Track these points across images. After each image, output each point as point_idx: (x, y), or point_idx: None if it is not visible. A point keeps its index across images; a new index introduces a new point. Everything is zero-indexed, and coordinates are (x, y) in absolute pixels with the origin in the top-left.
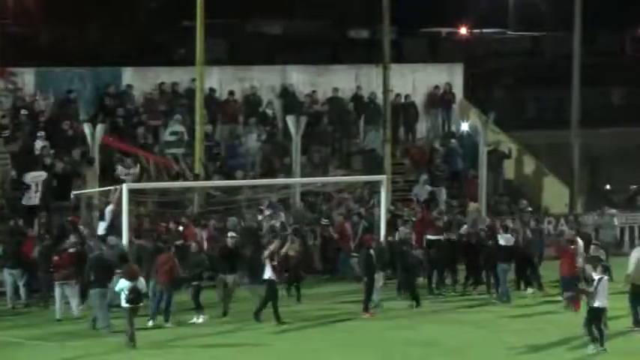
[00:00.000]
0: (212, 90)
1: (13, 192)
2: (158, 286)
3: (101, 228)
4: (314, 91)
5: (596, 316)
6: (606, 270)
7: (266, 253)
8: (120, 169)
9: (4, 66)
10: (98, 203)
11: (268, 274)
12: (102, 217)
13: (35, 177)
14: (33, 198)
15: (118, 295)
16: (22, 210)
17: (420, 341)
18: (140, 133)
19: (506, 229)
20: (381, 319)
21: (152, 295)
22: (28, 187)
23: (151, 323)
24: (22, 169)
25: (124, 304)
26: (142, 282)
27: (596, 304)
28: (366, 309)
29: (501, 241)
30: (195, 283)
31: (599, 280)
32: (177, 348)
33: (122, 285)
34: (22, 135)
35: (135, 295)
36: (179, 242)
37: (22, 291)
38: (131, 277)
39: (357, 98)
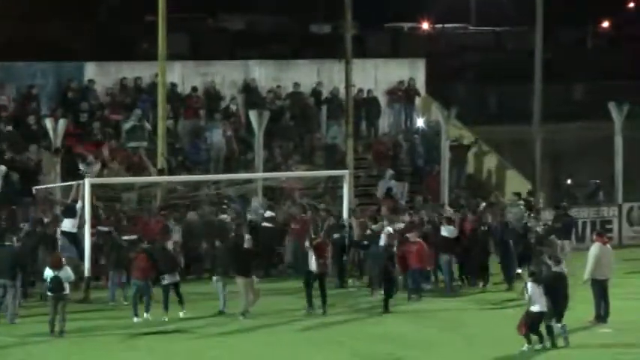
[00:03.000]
0: (174, 85)
1: None
2: (134, 281)
3: (68, 224)
4: (278, 86)
5: (535, 320)
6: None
7: (307, 243)
8: (82, 166)
9: None
10: (59, 198)
11: (313, 266)
12: (67, 214)
13: None
14: None
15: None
16: None
17: (386, 336)
18: (101, 128)
19: (448, 221)
20: (348, 316)
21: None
22: None
23: (136, 320)
24: None
25: (47, 292)
26: (65, 271)
27: (533, 309)
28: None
29: (444, 233)
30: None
31: (529, 285)
32: (141, 340)
33: (47, 274)
34: None
35: (55, 285)
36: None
37: None
38: (53, 267)
39: (318, 93)
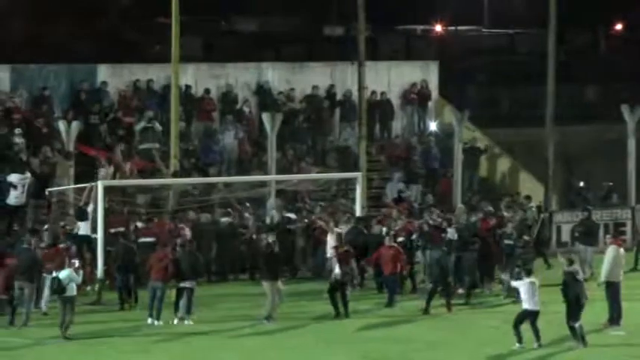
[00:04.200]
0: (187, 87)
1: None
2: (151, 282)
3: (83, 228)
4: (292, 89)
5: (524, 317)
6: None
7: (332, 251)
8: (99, 168)
9: None
10: (72, 201)
11: (337, 273)
12: (80, 217)
13: (22, 179)
14: (20, 198)
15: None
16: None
17: (397, 338)
18: (112, 130)
19: (449, 223)
20: (359, 318)
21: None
22: (14, 187)
23: (150, 321)
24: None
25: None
26: (63, 273)
27: (526, 307)
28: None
29: (450, 236)
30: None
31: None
32: (156, 344)
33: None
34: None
35: (56, 286)
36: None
37: None
38: (56, 268)
39: (332, 95)
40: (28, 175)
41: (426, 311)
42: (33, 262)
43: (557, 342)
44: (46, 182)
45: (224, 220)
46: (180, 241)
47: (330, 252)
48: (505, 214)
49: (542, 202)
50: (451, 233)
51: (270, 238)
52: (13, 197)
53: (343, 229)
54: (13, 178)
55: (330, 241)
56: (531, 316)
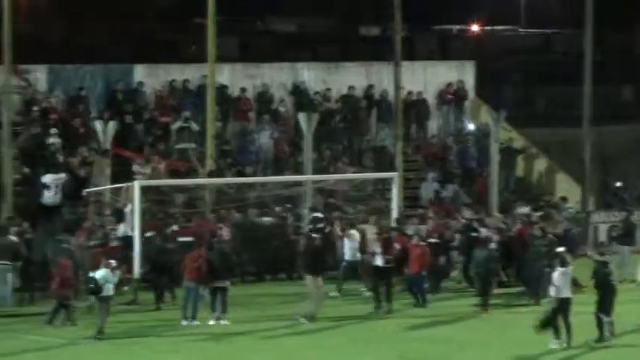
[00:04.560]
0: (223, 87)
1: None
2: (185, 283)
3: (122, 228)
4: (328, 89)
5: (561, 308)
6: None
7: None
8: (135, 167)
9: (17, 63)
10: (110, 201)
11: (378, 261)
12: (118, 218)
13: (56, 179)
14: (53, 197)
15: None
16: (38, 208)
17: (435, 338)
18: (148, 130)
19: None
20: (396, 319)
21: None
22: (48, 187)
23: (184, 322)
24: (33, 167)
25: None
26: (99, 273)
27: (560, 296)
28: (484, 306)
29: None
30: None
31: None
32: (191, 344)
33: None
34: (33, 132)
35: (93, 286)
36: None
37: None
38: (92, 268)
39: (368, 95)
40: (62, 175)
41: (483, 307)
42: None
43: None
44: (84, 182)
45: (265, 219)
46: (216, 240)
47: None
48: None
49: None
50: (483, 233)
51: (314, 234)
52: (47, 197)
53: (370, 229)
54: (46, 178)
55: (348, 243)
56: (565, 304)
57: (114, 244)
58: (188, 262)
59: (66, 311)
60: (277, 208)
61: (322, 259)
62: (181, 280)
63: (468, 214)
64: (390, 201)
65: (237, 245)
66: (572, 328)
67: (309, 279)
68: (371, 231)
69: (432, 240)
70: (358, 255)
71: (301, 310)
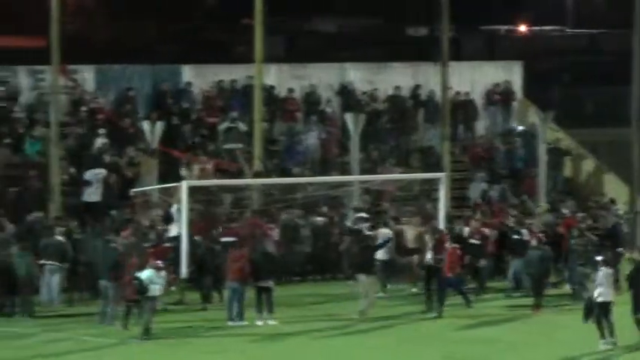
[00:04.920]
0: (271, 87)
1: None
2: (229, 283)
3: (172, 229)
4: (375, 89)
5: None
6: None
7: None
8: (183, 168)
9: (64, 63)
10: (158, 202)
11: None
12: (168, 219)
13: (96, 174)
14: (94, 194)
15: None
16: (80, 207)
17: (480, 339)
18: (195, 130)
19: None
20: (442, 319)
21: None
22: (89, 183)
23: (230, 323)
24: (81, 167)
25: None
26: (145, 273)
27: (603, 298)
28: (536, 306)
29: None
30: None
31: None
32: (238, 344)
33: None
34: (81, 132)
35: (138, 286)
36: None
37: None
38: (139, 268)
39: (415, 96)
40: (102, 170)
41: (536, 307)
42: (118, 261)
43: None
44: (131, 183)
45: (311, 220)
46: (261, 240)
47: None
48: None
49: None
50: (525, 235)
51: (367, 232)
52: (88, 194)
53: (411, 231)
54: (87, 175)
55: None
56: (607, 306)
57: (166, 244)
58: (230, 262)
59: (137, 312)
60: (324, 209)
61: (372, 258)
62: (225, 280)
63: (512, 215)
64: (436, 202)
65: (284, 245)
66: (615, 329)
67: (360, 278)
68: (411, 231)
69: (473, 241)
70: (387, 254)
71: (359, 308)
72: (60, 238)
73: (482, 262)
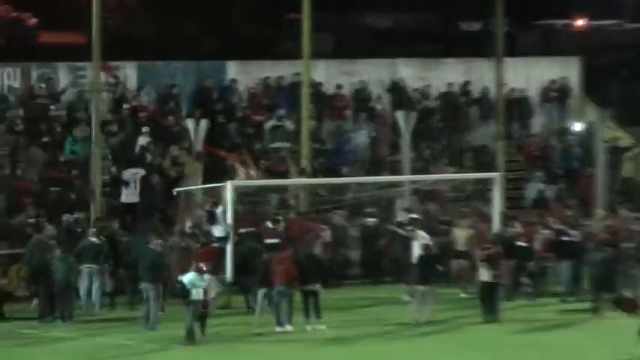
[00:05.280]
0: (318, 84)
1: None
2: (278, 288)
3: (217, 230)
4: (427, 86)
5: None
6: None
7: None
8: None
9: (106, 60)
10: (201, 202)
11: (484, 275)
12: (212, 220)
13: (133, 174)
14: (132, 195)
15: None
16: (119, 208)
17: (533, 344)
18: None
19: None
20: (497, 323)
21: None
22: (127, 183)
23: (278, 328)
24: (123, 166)
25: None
26: (187, 277)
27: None
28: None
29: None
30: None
31: None
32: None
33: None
34: (123, 130)
35: (179, 289)
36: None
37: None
38: (181, 271)
39: (466, 92)
40: (140, 170)
41: (598, 311)
42: (157, 262)
43: None
44: (175, 183)
45: (369, 220)
46: (311, 242)
47: (480, 255)
48: None
49: None
50: (574, 236)
51: (425, 240)
52: (126, 195)
53: (461, 233)
54: (125, 174)
55: (415, 247)
56: None
57: (216, 244)
58: (275, 264)
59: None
60: (373, 210)
61: (433, 266)
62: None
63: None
64: (490, 203)
65: (331, 247)
66: None
67: (417, 287)
68: (461, 233)
69: (521, 244)
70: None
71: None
72: (94, 239)
73: (531, 266)
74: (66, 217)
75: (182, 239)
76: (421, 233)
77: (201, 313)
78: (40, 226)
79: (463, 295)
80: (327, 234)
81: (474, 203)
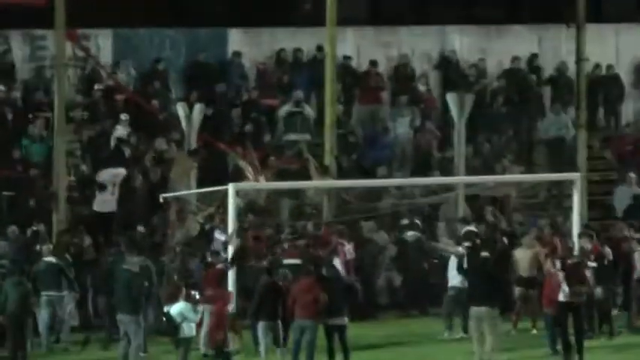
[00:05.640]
0: (347, 58)
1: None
2: (298, 321)
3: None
4: (486, 60)
5: None
6: None
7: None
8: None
9: (75, 27)
10: (196, 211)
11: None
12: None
13: (114, 175)
14: (108, 202)
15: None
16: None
17: None
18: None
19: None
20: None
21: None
22: (103, 187)
23: None
24: (97, 164)
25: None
26: (176, 307)
27: None
28: None
29: None
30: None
31: None
32: None
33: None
34: (96, 118)
35: (166, 323)
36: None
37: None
38: (166, 299)
39: (539, 69)
40: (122, 170)
41: None
42: (135, 287)
43: None
44: (161, 185)
45: (410, 234)
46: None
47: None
48: None
49: None
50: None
51: (484, 253)
52: (101, 201)
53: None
54: (103, 175)
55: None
56: None
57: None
58: (299, 293)
59: None
60: (416, 221)
61: (497, 286)
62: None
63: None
64: (568, 210)
65: (359, 268)
66: None
67: (472, 313)
68: (523, 254)
69: (592, 264)
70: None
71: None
72: (51, 259)
73: (598, 292)
74: (12, 229)
75: (172, 258)
76: (459, 248)
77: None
78: None
79: (534, 332)
80: (349, 250)
81: (547, 212)
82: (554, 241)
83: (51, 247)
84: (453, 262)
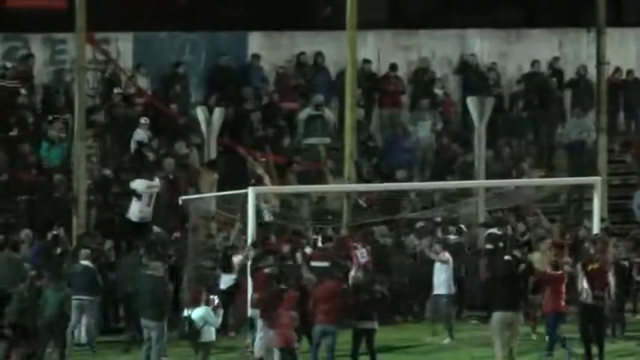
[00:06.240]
0: (367, 62)
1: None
2: (319, 326)
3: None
4: (505, 64)
5: None
6: None
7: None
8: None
9: (95, 30)
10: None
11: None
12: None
13: (149, 187)
14: (145, 212)
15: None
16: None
17: None
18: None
19: None
20: None
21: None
22: (138, 196)
23: None
24: (117, 168)
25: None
26: (197, 312)
27: None
28: None
29: None
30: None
31: None
32: None
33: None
34: (115, 122)
35: (188, 327)
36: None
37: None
38: (187, 304)
39: (560, 73)
40: (157, 182)
41: None
42: (158, 293)
43: None
44: (181, 190)
45: (423, 240)
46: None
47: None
48: None
49: None
50: None
51: (507, 256)
52: (137, 210)
53: (540, 258)
54: (137, 184)
55: (439, 269)
56: None
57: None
58: (320, 296)
59: None
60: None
61: (518, 289)
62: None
63: None
64: (588, 215)
65: (384, 273)
66: None
67: (496, 317)
68: (540, 258)
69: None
70: (453, 287)
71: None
72: (86, 263)
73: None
74: (25, 232)
75: (194, 262)
76: (447, 255)
77: None
78: (15, 243)
79: (533, 338)
80: (364, 254)
81: (567, 216)
82: (569, 244)
83: (88, 251)
84: (439, 270)
